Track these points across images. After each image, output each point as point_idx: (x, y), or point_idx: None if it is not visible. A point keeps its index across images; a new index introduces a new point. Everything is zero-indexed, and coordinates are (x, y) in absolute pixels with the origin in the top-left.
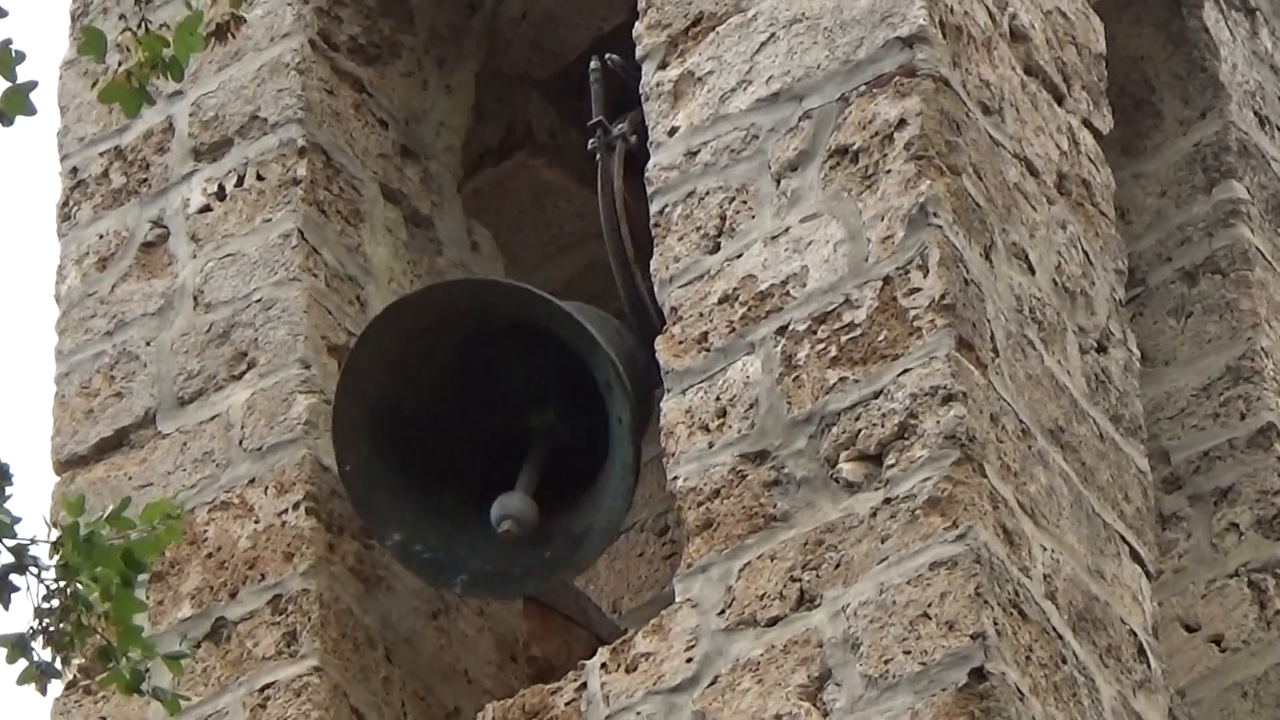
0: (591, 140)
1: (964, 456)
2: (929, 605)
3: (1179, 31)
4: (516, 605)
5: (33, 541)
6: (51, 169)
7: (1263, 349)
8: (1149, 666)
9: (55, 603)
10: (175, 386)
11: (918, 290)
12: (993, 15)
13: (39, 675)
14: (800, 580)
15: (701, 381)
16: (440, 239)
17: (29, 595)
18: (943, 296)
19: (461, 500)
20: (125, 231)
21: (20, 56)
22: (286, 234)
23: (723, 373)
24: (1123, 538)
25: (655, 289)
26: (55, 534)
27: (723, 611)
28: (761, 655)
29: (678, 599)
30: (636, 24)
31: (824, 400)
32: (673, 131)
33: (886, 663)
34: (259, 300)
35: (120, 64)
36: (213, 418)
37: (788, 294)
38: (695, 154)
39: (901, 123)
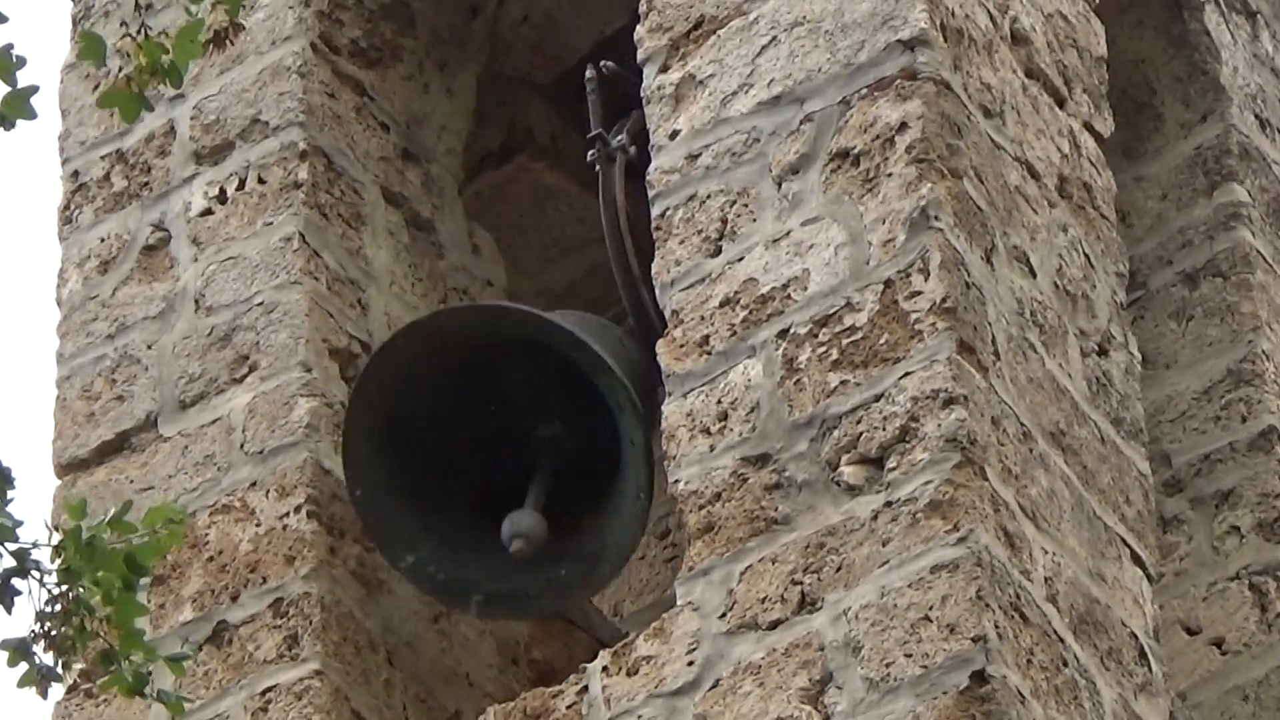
0: (591, 152)
1: (965, 459)
2: (930, 608)
3: (1180, 34)
4: None
5: (34, 545)
6: (53, 172)
7: (1264, 352)
8: (1150, 669)
9: (57, 606)
10: (176, 390)
11: (919, 293)
12: (994, 18)
13: (40, 679)
14: (801, 583)
15: (703, 385)
16: (441, 242)
17: (31, 599)
18: (944, 300)
19: (472, 518)
20: (126, 235)
21: (21, 62)
22: (288, 237)
23: (724, 376)
24: (1124, 540)
25: (656, 292)
26: (57, 538)
27: (724, 615)
28: (763, 658)
29: (679, 602)
30: (638, 27)
31: (825, 403)
32: (674, 135)
33: (888, 666)
34: (260, 303)
35: (120, 69)
36: (214, 421)
37: (789, 297)
38: (696, 157)
39: (903, 126)
